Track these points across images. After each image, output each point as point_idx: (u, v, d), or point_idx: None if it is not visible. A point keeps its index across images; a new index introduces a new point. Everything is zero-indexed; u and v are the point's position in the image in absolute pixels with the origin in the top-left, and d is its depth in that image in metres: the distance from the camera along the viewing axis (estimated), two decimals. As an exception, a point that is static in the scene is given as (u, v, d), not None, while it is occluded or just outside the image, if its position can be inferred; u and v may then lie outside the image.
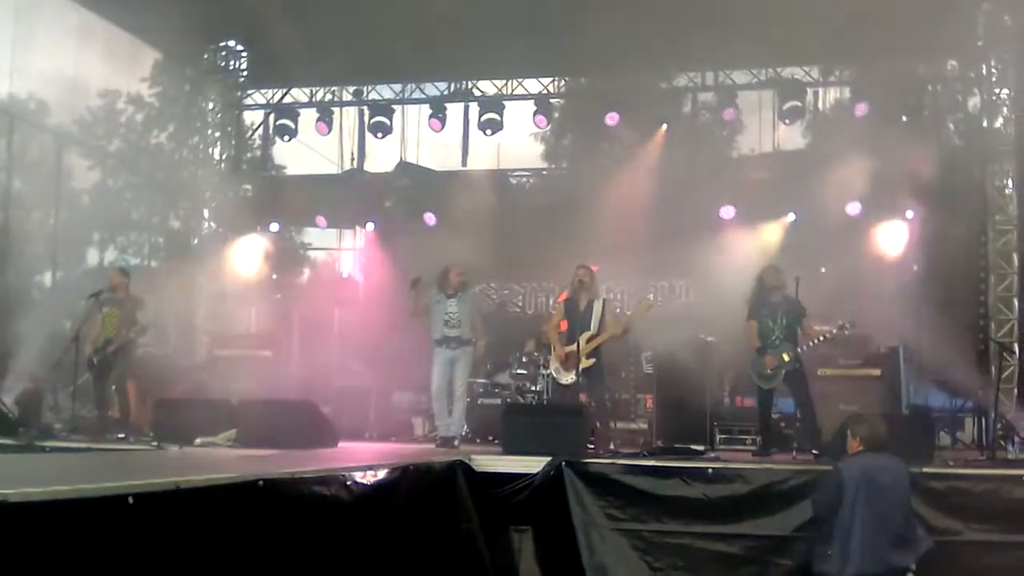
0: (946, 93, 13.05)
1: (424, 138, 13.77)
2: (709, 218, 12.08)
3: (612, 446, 8.37)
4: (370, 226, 13.94)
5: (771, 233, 12.12)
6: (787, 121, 12.70)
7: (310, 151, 14.42)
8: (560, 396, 8.72)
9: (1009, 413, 9.75)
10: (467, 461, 7.00)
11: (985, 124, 11.75)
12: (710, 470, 6.79)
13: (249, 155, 15.68)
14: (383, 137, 13.39)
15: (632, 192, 11.66)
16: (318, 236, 17.59)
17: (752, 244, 11.69)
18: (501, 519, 6.93)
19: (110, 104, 17.86)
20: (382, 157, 14.04)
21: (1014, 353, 10.77)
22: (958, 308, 11.09)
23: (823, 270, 11.17)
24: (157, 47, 13.66)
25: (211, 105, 14.23)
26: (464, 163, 13.49)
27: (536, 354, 10.61)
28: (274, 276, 13.93)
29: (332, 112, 13.51)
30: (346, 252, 16.11)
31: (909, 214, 11.49)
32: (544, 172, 16.85)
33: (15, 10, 12.45)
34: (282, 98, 14.04)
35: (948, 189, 11.27)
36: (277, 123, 13.69)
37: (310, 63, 11.61)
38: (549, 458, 6.89)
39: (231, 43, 13.86)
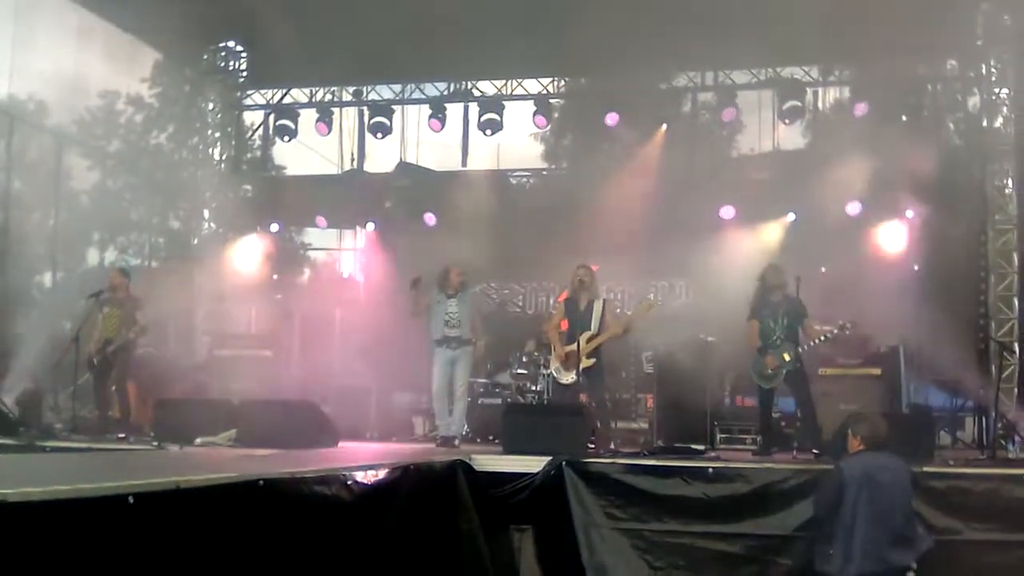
0: (946, 93, 13.04)
1: (424, 138, 13.77)
2: (709, 218, 12.06)
3: (612, 446, 8.37)
4: (370, 226, 13.92)
5: (771, 233, 12.10)
6: (787, 121, 12.67)
7: (310, 151, 14.41)
8: (560, 396, 8.72)
9: (1009, 412, 9.73)
10: (468, 461, 7.01)
11: (985, 124, 11.73)
12: (710, 469, 6.79)
13: (249, 155, 15.66)
14: (383, 137, 13.38)
15: (632, 192, 11.63)
16: (318, 236, 17.67)
17: (752, 244, 11.68)
18: (501, 519, 6.94)
19: (110, 104, 17.92)
20: (382, 157, 14.04)
21: (1014, 352, 10.76)
22: (958, 307, 11.05)
23: (823, 270, 11.13)
24: (157, 47, 13.65)
25: (211, 105, 14.21)
26: (464, 163, 13.48)
27: (536, 354, 10.60)
28: (274, 276, 13.91)
29: (332, 112, 13.49)
30: (346, 252, 16.09)
31: (909, 214, 11.49)
32: (544, 172, 16.87)
33: (15, 10, 12.46)
34: (282, 98, 14.02)
35: (948, 189, 11.26)
36: (277, 123, 13.67)
37: (310, 63, 11.60)
38: (549, 458, 6.90)
39: (231, 43, 13.84)
